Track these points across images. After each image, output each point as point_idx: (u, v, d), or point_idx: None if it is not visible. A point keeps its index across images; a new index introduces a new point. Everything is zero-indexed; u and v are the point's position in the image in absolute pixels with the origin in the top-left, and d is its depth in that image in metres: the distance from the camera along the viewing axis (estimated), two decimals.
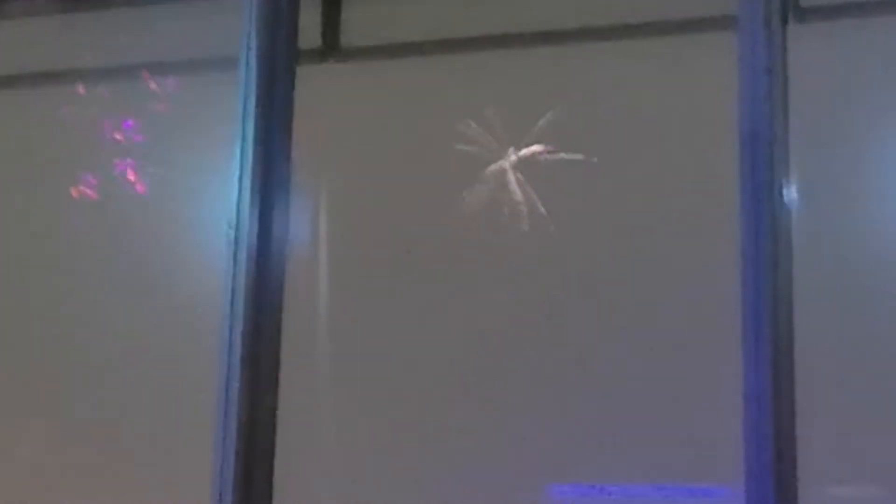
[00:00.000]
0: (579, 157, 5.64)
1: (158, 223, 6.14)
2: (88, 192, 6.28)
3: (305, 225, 5.93)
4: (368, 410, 5.68)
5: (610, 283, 5.50)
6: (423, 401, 5.63)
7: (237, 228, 5.62)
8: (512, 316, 5.59)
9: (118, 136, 6.30)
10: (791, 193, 5.12)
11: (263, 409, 5.43)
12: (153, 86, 6.30)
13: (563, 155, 5.66)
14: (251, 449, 5.36)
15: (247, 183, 5.64)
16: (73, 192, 6.28)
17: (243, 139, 5.70)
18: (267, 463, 5.39)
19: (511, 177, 5.74)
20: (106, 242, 6.22)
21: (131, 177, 6.23)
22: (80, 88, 6.40)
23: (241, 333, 5.46)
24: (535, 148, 5.70)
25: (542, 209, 5.65)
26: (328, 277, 5.90)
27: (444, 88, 5.87)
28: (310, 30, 6.05)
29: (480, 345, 5.61)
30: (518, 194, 5.69)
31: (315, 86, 5.94)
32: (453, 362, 5.63)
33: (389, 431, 5.62)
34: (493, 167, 5.77)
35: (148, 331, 5.97)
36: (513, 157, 5.75)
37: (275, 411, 5.45)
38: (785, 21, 5.21)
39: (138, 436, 5.91)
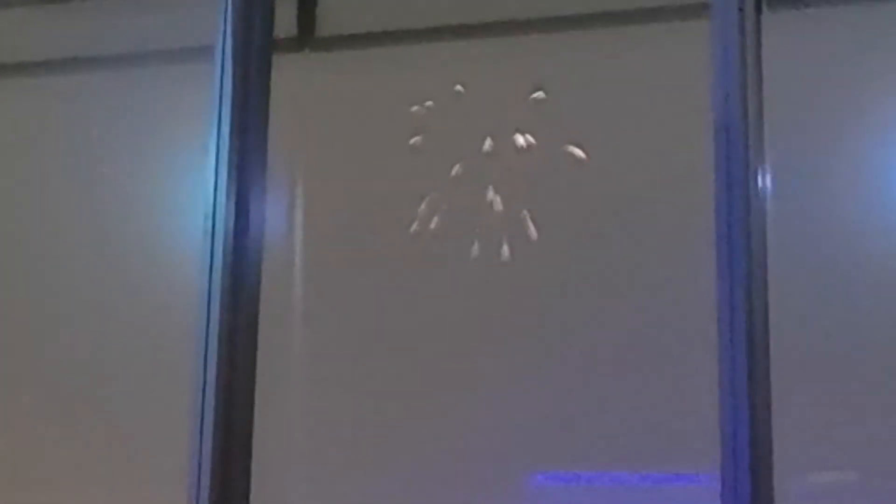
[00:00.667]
0: (556, 145, 5.64)
1: (133, 215, 6.12)
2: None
3: (282, 216, 5.93)
4: (345, 403, 5.69)
5: (585, 270, 5.51)
6: (399, 393, 5.64)
7: (213, 219, 5.61)
8: (488, 305, 5.59)
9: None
10: (766, 183, 5.12)
11: (240, 403, 5.43)
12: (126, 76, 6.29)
13: (538, 144, 5.66)
14: (228, 446, 5.36)
15: (223, 174, 5.63)
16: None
17: (219, 130, 5.68)
18: (244, 459, 5.40)
19: (486, 165, 5.74)
20: (80, 236, 6.20)
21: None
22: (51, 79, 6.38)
23: (217, 326, 5.45)
24: (513, 137, 5.71)
25: (518, 199, 5.65)
26: (305, 269, 5.90)
27: (420, 78, 5.86)
28: (285, 19, 6.03)
29: (458, 335, 5.62)
30: (493, 182, 5.70)
31: (290, 76, 5.92)
32: (431, 354, 5.63)
33: (366, 424, 5.63)
34: (469, 157, 5.77)
35: (121, 324, 5.96)
36: (488, 147, 5.75)
37: (252, 405, 5.46)
38: (759, 9, 5.20)
39: (110, 429, 5.91)
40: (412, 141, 5.78)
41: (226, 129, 5.67)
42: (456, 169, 5.75)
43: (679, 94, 5.38)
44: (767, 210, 5.10)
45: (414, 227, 5.70)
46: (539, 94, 5.65)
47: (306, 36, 6.10)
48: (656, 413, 5.31)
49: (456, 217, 5.70)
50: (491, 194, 5.65)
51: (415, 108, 5.78)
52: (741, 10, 5.13)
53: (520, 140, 5.65)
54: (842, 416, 5.10)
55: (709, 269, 4.99)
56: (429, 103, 5.76)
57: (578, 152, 5.55)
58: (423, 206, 5.71)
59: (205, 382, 5.36)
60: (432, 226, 5.72)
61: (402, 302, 5.71)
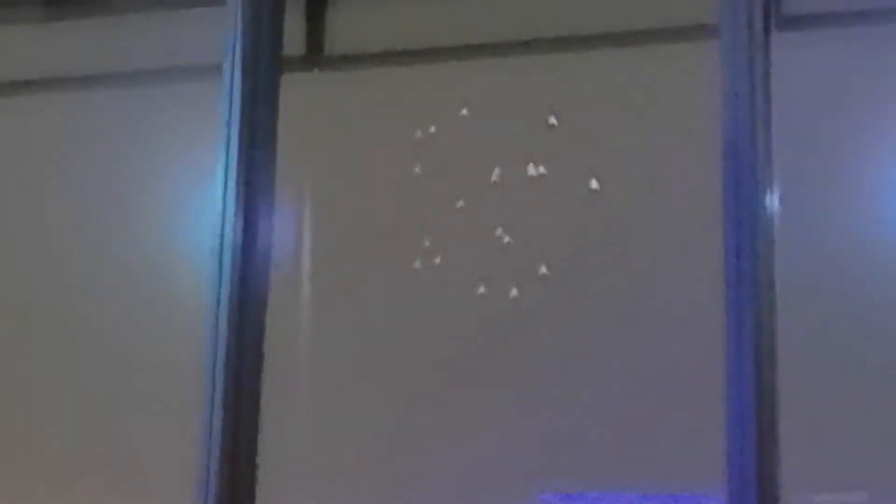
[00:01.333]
0: (564, 166, 5.64)
1: (143, 231, 6.14)
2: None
3: (290, 233, 5.93)
4: (351, 417, 5.68)
5: (594, 289, 5.51)
6: (406, 409, 5.63)
7: (221, 237, 5.63)
8: (494, 320, 5.58)
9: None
10: (774, 202, 5.13)
11: (246, 416, 5.46)
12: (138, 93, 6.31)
13: (544, 164, 5.66)
14: (235, 457, 5.38)
15: (231, 191, 5.65)
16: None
17: (227, 148, 5.70)
18: (251, 469, 5.41)
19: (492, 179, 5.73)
20: (90, 249, 6.22)
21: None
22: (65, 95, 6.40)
23: (224, 341, 5.47)
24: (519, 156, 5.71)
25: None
26: (312, 285, 5.90)
27: (426, 97, 5.87)
28: (294, 38, 6.05)
29: (466, 351, 5.61)
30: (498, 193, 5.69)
31: (299, 94, 5.95)
32: (438, 371, 5.63)
33: (372, 439, 5.62)
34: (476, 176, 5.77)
35: (132, 338, 5.97)
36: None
37: (257, 419, 5.48)
38: (767, 30, 5.22)
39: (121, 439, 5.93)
40: (416, 170, 5.78)
41: (234, 147, 5.71)
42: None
43: (689, 116, 5.39)
44: (775, 229, 5.11)
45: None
46: (552, 120, 5.65)
47: (314, 55, 6.11)
48: (662, 436, 5.30)
49: (462, 231, 5.69)
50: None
51: (421, 125, 5.79)
52: (749, 30, 5.17)
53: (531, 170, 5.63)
54: (850, 437, 5.09)
55: (717, 296, 5.01)
56: (436, 121, 5.76)
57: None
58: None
59: (213, 397, 5.38)
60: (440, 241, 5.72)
61: (411, 315, 5.71)
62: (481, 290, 5.54)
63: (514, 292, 5.52)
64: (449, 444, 5.53)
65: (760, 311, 5.01)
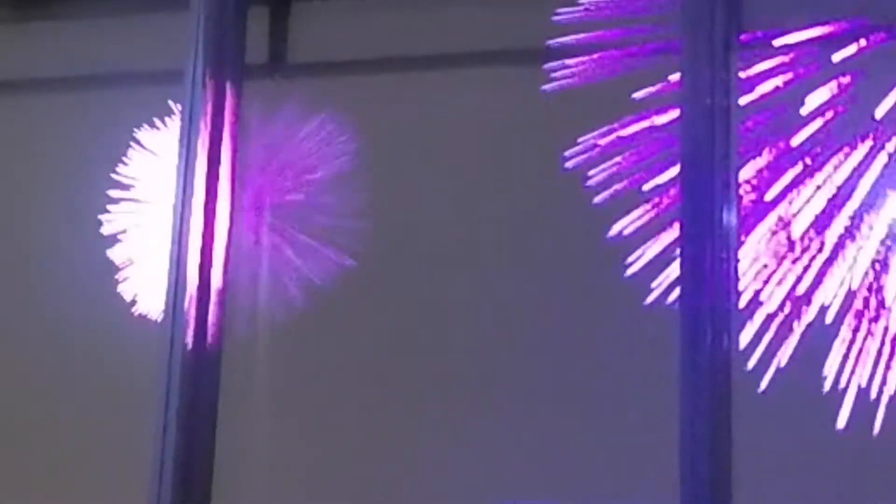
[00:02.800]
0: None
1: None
2: None
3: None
4: (307, 432, 5.67)
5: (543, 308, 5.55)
6: (365, 423, 5.62)
7: (179, 242, 5.61)
8: (456, 338, 5.60)
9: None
10: (731, 219, 5.15)
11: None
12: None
13: None
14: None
15: (190, 196, 5.63)
16: None
17: (188, 155, 5.68)
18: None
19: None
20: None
21: None
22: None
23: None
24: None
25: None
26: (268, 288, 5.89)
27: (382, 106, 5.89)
28: (257, 45, 6.05)
29: (426, 365, 5.62)
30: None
31: (261, 101, 5.95)
32: (401, 383, 5.63)
33: (331, 456, 5.60)
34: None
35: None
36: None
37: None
38: (728, 46, 5.25)
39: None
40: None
41: (194, 153, 5.69)
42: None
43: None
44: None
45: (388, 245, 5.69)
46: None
47: (276, 63, 6.11)
48: (618, 447, 5.33)
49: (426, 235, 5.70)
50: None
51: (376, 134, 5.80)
52: (711, 50, 5.20)
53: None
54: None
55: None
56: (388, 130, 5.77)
57: None
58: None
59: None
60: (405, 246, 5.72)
61: (371, 328, 5.72)
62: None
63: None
64: (412, 455, 5.53)
65: (716, 320, 5.03)
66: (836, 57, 5.38)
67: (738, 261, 5.06)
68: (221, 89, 5.83)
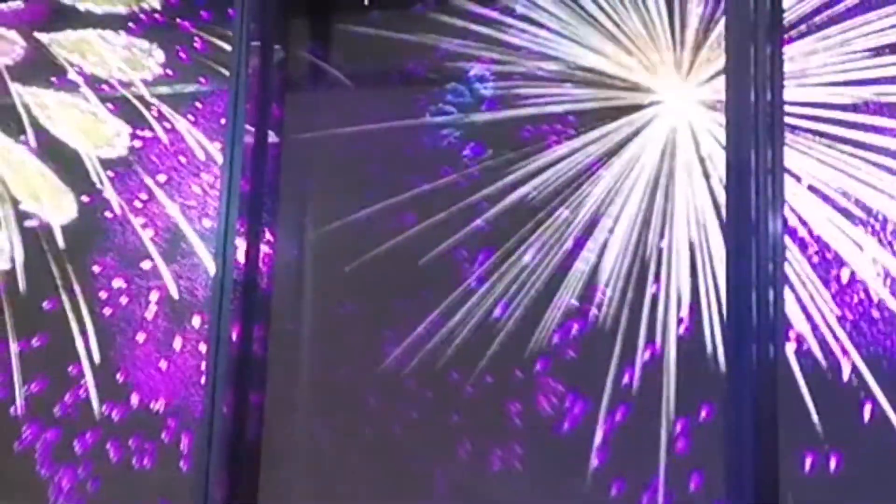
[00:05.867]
0: None
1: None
2: None
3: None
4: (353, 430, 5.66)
5: None
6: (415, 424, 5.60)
7: (224, 255, 5.65)
8: None
9: None
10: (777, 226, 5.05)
11: None
12: None
13: None
14: None
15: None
16: None
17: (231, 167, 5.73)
18: None
19: None
20: None
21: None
22: None
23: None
24: None
25: None
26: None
27: None
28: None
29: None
30: None
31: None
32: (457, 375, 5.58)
33: (378, 455, 5.59)
34: None
35: None
36: None
37: None
38: (774, 43, 5.15)
39: None
40: None
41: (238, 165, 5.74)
42: None
43: None
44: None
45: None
46: None
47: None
48: None
49: None
50: None
51: None
52: (755, 46, 5.10)
53: None
54: None
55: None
56: None
57: None
58: None
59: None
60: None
61: None
62: None
63: None
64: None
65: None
66: None
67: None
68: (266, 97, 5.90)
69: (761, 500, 4.67)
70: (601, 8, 5.59)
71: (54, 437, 6.05)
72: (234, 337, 5.55)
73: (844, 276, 5.11)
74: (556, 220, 5.49)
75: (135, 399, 5.97)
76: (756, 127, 4.98)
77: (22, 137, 6.45)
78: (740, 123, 5.01)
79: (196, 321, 5.94)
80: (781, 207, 5.02)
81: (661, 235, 5.35)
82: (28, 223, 6.34)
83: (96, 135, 6.36)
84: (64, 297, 6.18)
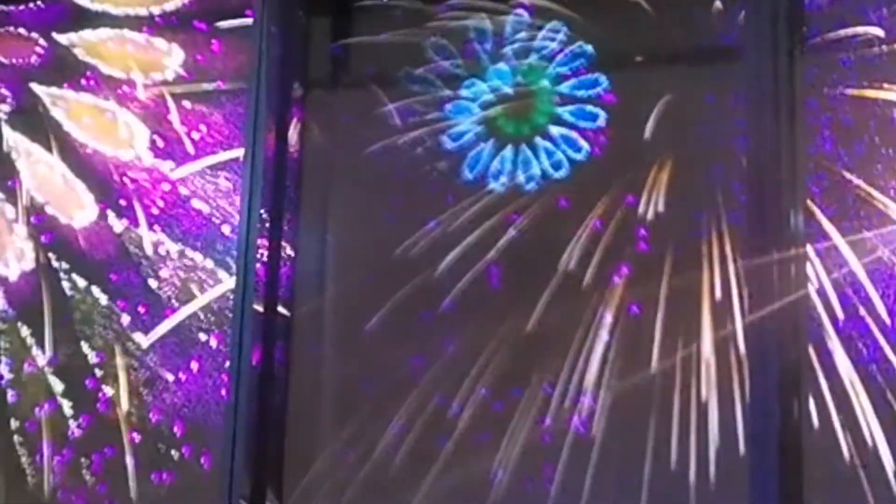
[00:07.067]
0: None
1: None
2: None
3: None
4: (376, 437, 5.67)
5: None
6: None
7: (245, 256, 5.69)
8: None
9: None
10: (798, 225, 5.09)
11: None
12: None
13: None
14: None
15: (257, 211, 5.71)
16: None
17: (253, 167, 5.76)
18: None
19: None
20: None
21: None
22: None
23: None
24: None
25: None
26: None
27: None
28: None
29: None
30: None
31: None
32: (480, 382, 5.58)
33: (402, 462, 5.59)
34: None
35: None
36: None
37: None
38: (791, 53, 5.18)
39: None
40: None
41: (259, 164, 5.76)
42: None
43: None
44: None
45: None
46: None
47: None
48: None
49: None
50: None
51: None
52: (773, 53, 5.14)
53: None
54: None
55: None
56: None
57: None
58: None
59: None
60: None
61: None
62: None
63: None
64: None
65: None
66: None
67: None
68: (286, 100, 5.92)
69: None
70: None
71: None
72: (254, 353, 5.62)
73: None
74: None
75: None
76: None
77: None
78: None
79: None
80: None
81: None
82: None
83: (115, 136, 6.39)
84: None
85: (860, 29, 5.20)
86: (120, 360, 6.11)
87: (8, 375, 6.31)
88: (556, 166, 5.60)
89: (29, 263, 6.40)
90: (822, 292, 5.07)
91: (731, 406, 5.07)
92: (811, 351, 5.02)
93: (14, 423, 6.25)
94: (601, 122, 5.56)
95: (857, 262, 5.08)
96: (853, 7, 5.23)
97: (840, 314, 5.05)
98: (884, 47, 5.18)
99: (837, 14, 5.25)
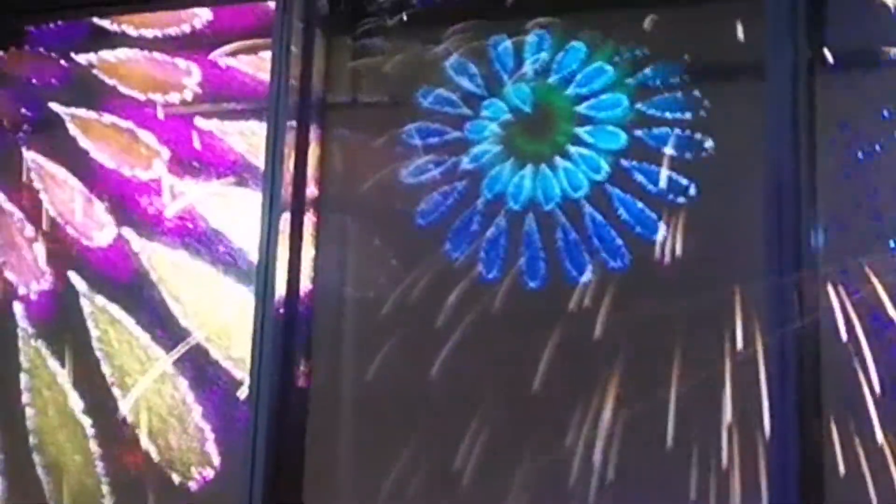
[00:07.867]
0: None
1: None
2: None
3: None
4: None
5: None
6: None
7: (265, 274, 5.71)
8: None
9: None
10: (818, 242, 5.10)
11: None
12: None
13: None
14: None
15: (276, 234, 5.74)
16: None
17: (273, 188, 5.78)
18: None
19: None
20: None
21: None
22: None
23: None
24: None
25: None
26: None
27: None
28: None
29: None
30: None
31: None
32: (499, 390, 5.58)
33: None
34: None
35: None
36: None
37: None
38: (812, 71, 5.20)
39: None
40: None
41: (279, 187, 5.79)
42: None
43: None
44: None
45: None
46: None
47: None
48: None
49: None
50: None
51: None
52: (796, 72, 5.15)
53: None
54: None
55: None
56: None
57: None
58: None
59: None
60: None
61: None
62: None
63: None
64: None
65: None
66: None
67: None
68: (306, 119, 5.95)
69: None
70: None
71: None
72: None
73: None
74: None
75: None
76: None
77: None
78: None
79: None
80: None
81: None
82: None
83: (135, 155, 6.42)
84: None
85: (885, 48, 5.23)
86: (139, 380, 6.13)
87: (27, 394, 6.35)
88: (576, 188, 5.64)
89: (48, 283, 6.44)
90: (842, 312, 5.09)
91: None
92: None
93: (32, 440, 6.30)
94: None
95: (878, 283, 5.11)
96: (877, 26, 5.25)
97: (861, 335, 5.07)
98: None
99: (861, 33, 5.28)
